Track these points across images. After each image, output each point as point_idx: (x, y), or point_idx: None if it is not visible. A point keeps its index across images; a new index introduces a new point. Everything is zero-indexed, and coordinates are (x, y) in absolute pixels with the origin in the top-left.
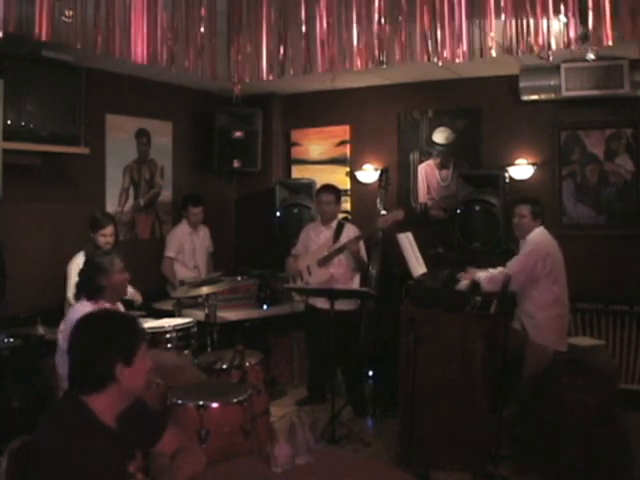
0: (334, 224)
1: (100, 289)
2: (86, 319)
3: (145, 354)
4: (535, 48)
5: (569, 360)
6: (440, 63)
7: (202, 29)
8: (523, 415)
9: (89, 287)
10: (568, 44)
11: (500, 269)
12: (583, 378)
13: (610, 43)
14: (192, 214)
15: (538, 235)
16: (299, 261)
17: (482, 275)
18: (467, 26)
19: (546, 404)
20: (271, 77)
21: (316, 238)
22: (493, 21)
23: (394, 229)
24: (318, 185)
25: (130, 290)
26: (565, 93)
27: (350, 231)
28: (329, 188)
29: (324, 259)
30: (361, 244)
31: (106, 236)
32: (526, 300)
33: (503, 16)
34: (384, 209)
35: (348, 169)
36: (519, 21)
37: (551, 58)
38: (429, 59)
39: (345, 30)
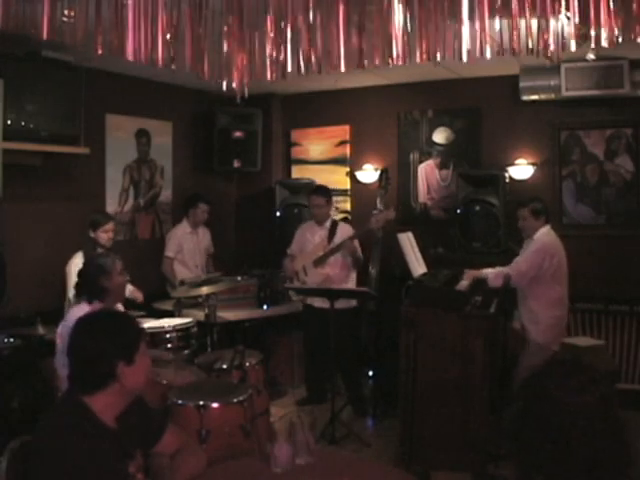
0: (328, 224)
1: (102, 291)
2: (86, 319)
3: (145, 352)
4: (541, 50)
5: (564, 361)
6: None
7: (202, 29)
8: (523, 418)
9: (91, 289)
10: (566, 45)
11: (499, 268)
12: (579, 378)
13: (620, 38)
14: (202, 211)
15: (545, 234)
16: (295, 262)
17: (489, 271)
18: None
19: (547, 407)
20: (274, 77)
21: (311, 238)
22: (495, 21)
23: (394, 229)
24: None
25: (130, 288)
26: (565, 93)
27: (344, 230)
28: (319, 190)
29: (320, 259)
30: (356, 242)
31: (108, 232)
32: (531, 299)
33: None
34: (379, 209)
35: (348, 169)
36: (524, 21)
37: (550, 54)
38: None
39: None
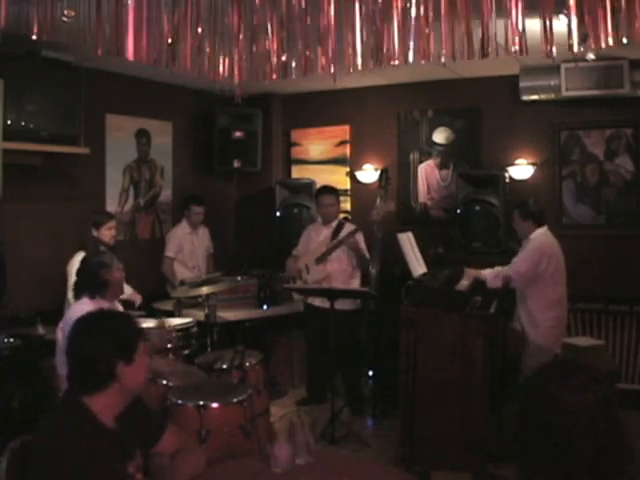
0: (334, 224)
1: (104, 284)
2: (84, 320)
3: (144, 351)
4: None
5: (565, 361)
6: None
7: (202, 29)
8: (524, 419)
9: (93, 283)
10: (569, 46)
11: (498, 268)
12: (580, 377)
13: (610, 42)
14: (194, 213)
15: (542, 235)
16: (299, 261)
17: (487, 271)
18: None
19: (548, 407)
20: (274, 77)
21: (316, 237)
22: (494, 21)
23: (394, 228)
24: (318, 185)
25: (129, 290)
26: (565, 93)
27: (349, 229)
28: (329, 190)
29: (322, 256)
30: (361, 239)
31: (111, 229)
32: (529, 300)
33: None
34: (380, 203)
35: (348, 169)
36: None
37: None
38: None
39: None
